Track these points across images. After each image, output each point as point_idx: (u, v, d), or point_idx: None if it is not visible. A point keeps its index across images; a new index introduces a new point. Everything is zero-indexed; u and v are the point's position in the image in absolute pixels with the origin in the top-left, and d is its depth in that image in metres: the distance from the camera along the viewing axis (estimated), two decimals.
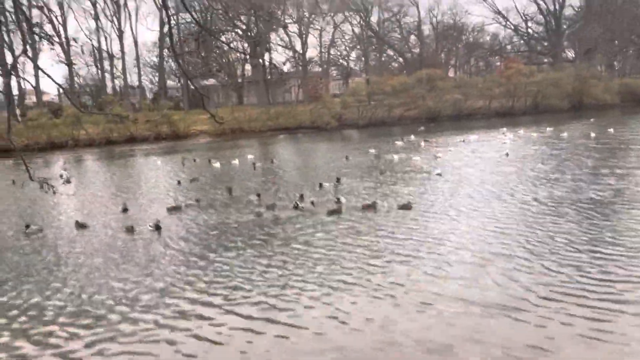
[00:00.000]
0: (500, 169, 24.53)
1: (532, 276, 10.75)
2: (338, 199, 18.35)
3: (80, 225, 17.66)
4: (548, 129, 42.33)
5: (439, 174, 23.79)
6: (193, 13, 62.08)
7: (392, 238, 14.10)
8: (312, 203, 18.59)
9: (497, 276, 10.86)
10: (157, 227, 16.72)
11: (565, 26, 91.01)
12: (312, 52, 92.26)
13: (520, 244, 12.80)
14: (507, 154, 29.07)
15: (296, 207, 18.01)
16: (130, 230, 16.68)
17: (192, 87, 66.13)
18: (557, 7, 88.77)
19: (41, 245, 15.87)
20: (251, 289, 11.09)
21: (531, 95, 66.25)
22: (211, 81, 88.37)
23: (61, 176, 29.86)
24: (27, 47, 7.32)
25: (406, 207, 17.27)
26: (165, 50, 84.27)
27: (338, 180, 23.02)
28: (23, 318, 10.44)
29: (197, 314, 10.10)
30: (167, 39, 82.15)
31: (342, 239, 14.33)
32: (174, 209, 19.63)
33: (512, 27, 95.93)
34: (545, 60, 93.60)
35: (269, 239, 14.86)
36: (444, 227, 14.94)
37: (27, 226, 17.68)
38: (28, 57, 6.99)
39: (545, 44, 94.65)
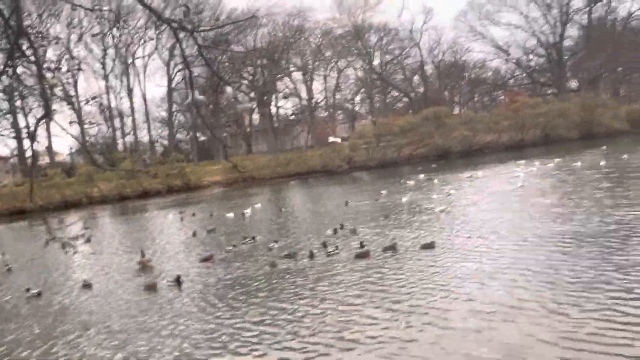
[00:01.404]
0: (515, 204, 24.14)
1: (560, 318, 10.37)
2: (361, 243, 18.07)
3: (86, 285, 17.59)
4: (556, 160, 41.60)
5: (443, 211, 23.81)
6: (206, 66, 63.52)
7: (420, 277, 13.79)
8: (337, 247, 18.44)
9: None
10: (178, 282, 16.52)
11: (566, 57, 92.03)
12: (317, 98, 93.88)
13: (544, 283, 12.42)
14: (521, 186, 29.05)
15: (328, 254, 17.82)
16: (151, 287, 16.44)
17: (213, 138, 66.81)
18: (557, 39, 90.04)
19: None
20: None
21: (540, 126, 66.28)
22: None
23: (82, 235, 29.90)
24: (48, 110, 7.39)
25: (429, 246, 17.03)
26: (174, 104, 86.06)
27: (341, 226, 22.38)
28: None
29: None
30: (181, 92, 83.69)
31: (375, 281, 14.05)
32: (205, 260, 19.61)
33: (514, 61, 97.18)
34: (550, 91, 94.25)
35: (302, 285, 14.60)
36: (470, 265, 14.60)
37: (29, 289, 17.51)
38: (52, 119, 7.03)
39: (549, 75, 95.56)
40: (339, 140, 65.31)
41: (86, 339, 12.53)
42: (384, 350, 9.78)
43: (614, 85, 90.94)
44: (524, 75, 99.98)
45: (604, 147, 48.79)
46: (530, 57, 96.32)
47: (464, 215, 22.89)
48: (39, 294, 17.24)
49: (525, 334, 9.70)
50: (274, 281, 15.63)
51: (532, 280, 12.59)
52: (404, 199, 29.29)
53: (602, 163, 35.45)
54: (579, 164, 37.24)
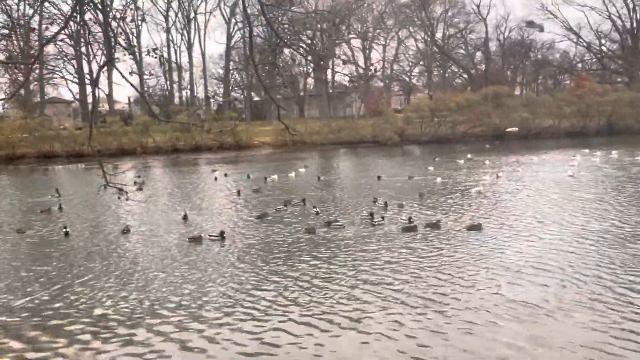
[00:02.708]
0: (557, 194, 23.28)
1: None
2: (409, 218, 17.92)
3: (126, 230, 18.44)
4: (613, 152, 39.48)
5: (480, 193, 23.80)
6: (266, 26, 63.46)
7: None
8: (383, 218, 18.54)
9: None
10: (222, 236, 16.93)
11: None
12: (374, 67, 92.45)
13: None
14: (571, 175, 28.38)
15: (373, 224, 17.99)
16: (196, 239, 16.87)
17: (267, 98, 67.18)
18: (634, 24, 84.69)
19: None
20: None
21: (605, 115, 63.20)
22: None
23: (135, 182, 31.15)
24: (111, 57, 7.52)
25: (476, 227, 16.74)
26: (231, 62, 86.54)
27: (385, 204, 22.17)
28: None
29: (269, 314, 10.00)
30: (239, 50, 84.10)
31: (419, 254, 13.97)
32: (258, 217, 20.18)
33: (585, 45, 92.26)
34: (620, 79, 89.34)
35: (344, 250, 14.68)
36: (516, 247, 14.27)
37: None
38: (114, 66, 7.14)
39: (620, 62, 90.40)
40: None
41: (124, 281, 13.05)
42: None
43: None
44: (593, 60, 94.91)
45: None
46: (603, 41, 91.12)
47: (504, 199, 22.43)
48: (67, 234, 18.22)
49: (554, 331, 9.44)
50: (311, 245, 15.75)
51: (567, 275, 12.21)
52: (439, 180, 28.85)
53: None
54: (639, 158, 35.49)
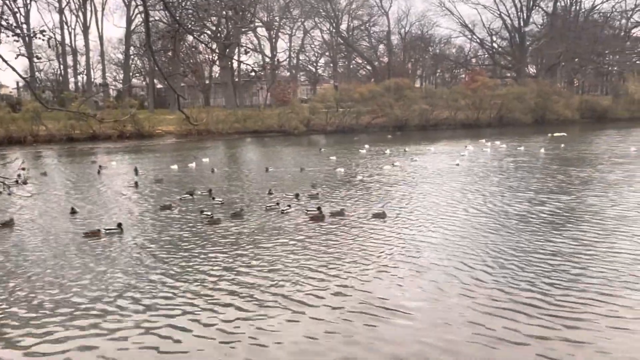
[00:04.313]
0: (449, 181, 24.92)
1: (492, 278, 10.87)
2: (319, 207, 18.17)
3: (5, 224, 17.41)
4: (497, 142, 42.94)
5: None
6: (166, 10, 61.11)
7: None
8: (289, 207, 18.92)
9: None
10: (120, 229, 16.30)
11: (528, 42, 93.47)
12: (281, 57, 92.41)
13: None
14: (457, 164, 30.48)
15: (282, 212, 18.40)
16: (93, 233, 16.07)
17: (168, 86, 64.54)
18: (521, 23, 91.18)
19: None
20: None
21: (496, 108, 67.76)
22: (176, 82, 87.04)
23: (19, 176, 28.46)
24: None
25: (380, 216, 17.41)
26: (132, 48, 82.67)
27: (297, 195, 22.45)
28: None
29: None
30: (141, 35, 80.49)
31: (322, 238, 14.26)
32: (163, 208, 19.75)
33: (478, 41, 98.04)
34: (509, 74, 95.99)
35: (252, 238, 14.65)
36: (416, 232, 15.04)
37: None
38: None
39: (509, 58, 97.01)
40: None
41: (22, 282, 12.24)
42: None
43: (570, 74, 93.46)
44: (486, 55, 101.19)
45: (549, 134, 50.53)
46: (494, 38, 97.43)
47: (401, 187, 23.52)
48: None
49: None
50: (217, 236, 15.62)
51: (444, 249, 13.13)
52: (340, 170, 29.58)
53: (542, 151, 36.90)
54: (522, 148, 38.75)
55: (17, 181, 26.56)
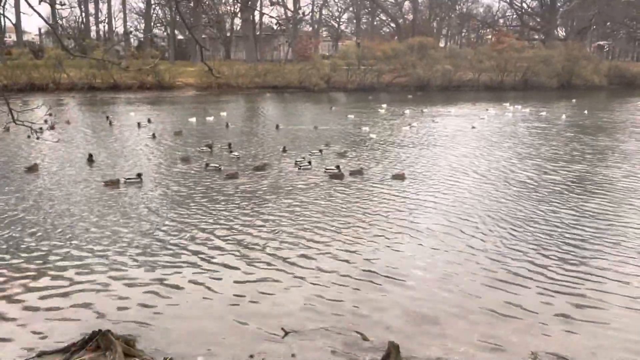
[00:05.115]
0: (462, 145, 24.59)
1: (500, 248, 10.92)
2: (338, 166, 18.15)
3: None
4: (517, 106, 42.21)
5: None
6: None
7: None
8: (309, 163, 19.01)
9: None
10: (140, 178, 16.58)
11: (559, 3, 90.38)
12: (305, 10, 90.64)
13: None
14: (473, 127, 30.26)
15: (298, 168, 18.66)
16: (113, 183, 16.36)
17: (191, 37, 64.13)
18: None
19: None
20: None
21: (521, 71, 66.14)
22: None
23: (46, 121, 28.81)
24: None
25: (399, 177, 17.47)
26: None
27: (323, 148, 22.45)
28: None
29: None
30: None
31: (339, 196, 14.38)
32: (183, 160, 20.11)
33: (507, 0, 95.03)
34: (537, 37, 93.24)
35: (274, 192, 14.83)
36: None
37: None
38: None
39: (538, 20, 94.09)
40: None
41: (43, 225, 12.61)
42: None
43: (600, 39, 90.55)
44: (514, 16, 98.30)
45: (574, 100, 49.38)
46: None
47: (418, 149, 23.31)
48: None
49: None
50: (235, 190, 15.81)
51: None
52: (366, 129, 29.24)
53: (563, 117, 36.14)
54: (543, 114, 37.91)
55: (41, 128, 26.85)
